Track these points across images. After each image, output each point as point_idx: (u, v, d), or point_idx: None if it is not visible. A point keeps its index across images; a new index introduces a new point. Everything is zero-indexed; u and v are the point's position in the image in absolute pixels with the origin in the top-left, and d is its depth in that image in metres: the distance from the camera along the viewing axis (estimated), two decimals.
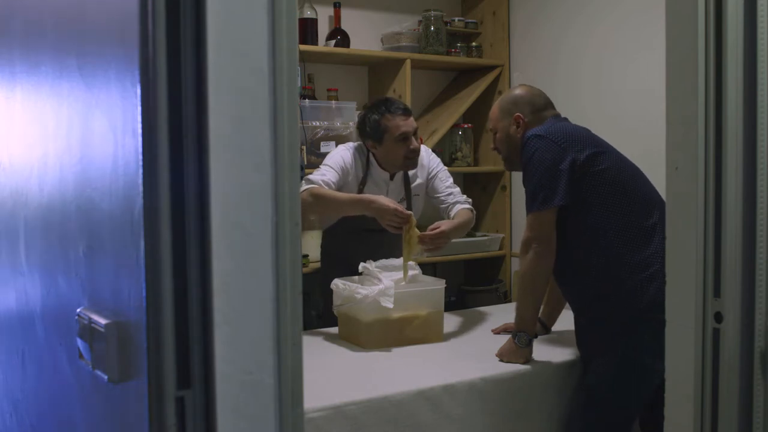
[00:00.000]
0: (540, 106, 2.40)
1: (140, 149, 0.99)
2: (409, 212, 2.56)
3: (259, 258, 1.03)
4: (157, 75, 0.97)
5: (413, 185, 2.88)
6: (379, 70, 3.81)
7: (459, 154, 3.93)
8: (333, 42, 3.55)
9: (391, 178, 2.83)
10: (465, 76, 4.06)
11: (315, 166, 2.92)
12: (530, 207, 2.23)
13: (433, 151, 3.09)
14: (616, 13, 3.39)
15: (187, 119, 0.99)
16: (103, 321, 1.13)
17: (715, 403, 1.41)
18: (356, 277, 2.57)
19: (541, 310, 2.52)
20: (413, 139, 2.73)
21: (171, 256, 0.98)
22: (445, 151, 3.91)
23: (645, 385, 2.16)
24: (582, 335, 2.35)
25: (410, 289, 2.48)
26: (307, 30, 3.47)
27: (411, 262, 2.57)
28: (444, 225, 2.63)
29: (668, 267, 1.49)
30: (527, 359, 2.26)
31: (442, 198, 2.88)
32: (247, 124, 1.02)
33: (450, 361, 2.31)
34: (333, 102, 3.51)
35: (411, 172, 2.87)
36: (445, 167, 2.97)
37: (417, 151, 2.75)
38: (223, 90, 0.99)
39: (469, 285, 4.02)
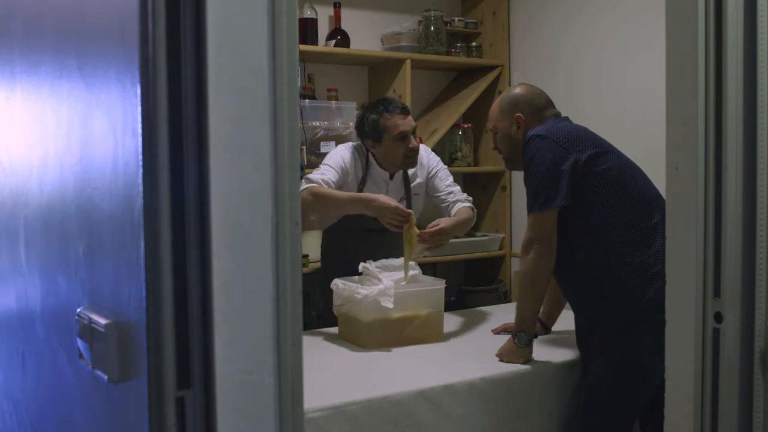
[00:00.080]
0: (540, 105, 2.39)
1: (140, 149, 0.99)
2: (410, 210, 2.56)
3: (259, 258, 1.03)
4: (157, 75, 0.97)
5: (413, 185, 2.88)
6: (379, 70, 3.81)
7: (459, 154, 3.93)
8: (333, 42, 3.55)
9: (391, 177, 2.83)
10: (465, 76, 4.06)
11: (315, 166, 2.92)
12: (531, 207, 2.23)
13: (433, 151, 3.09)
14: (616, 13, 3.39)
15: (187, 119, 0.99)
16: (103, 321, 1.13)
17: (715, 403, 1.41)
18: (356, 277, 2.57)
19: (540, 310, 2.52)
20: (412, 138, 2.73)
21: (171, 256, 0.98)
22: (445, 151, 3.91)
23: (645, 385, 2.16)
24: (582, 335, 2.35)
25: (410, 289, 2.48)
26: (307, 30, 3.47)
27: (411, 263, 2.57)
28: (443, 222, 2.63)
29: (668, 267, 1.49)
30: (527, 359, 2.26)
31: (443, 197, 2.88)
32: (247, 124, 1.02)
33: (450, 361, 2.31)
34: (333, 102, 3.51)
35: (410, 172, 2.87)
36: (445, 166, 2.97)
37: (416, 150, 2.75)
38: (223, 90, 0.99)
39: (469, 285, 4.02)
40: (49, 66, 1.39)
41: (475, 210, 2.87)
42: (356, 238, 2.84)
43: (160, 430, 0.99)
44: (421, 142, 3.28)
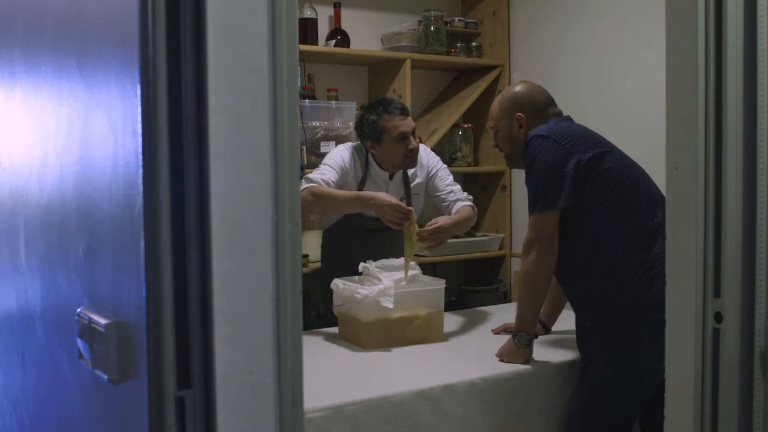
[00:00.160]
0: (542, 104, 2.38)
1: (140, 149, 0.99)
2: (410, 208, 2.56)
3: (259, 258, 1.03)
4: (157, 75, 0.97)
5: (413, 184, 2.88)
6: (379, 70, 3.81)
7: (459, 154, 3.93)
8: (333, 42, 3.55)
9: (391, 177, 2.83)
10: (465, 76, 4.06)
11: (315, 166, 2.92)
12: (533, 208, 2.23)
13: (433, 151, 3.09)
14: (616, 13, 3.39)
15: (187, 119, 0.99)
16: (103, 321, 1.13)
17: (715, 403, 1.41)
18: (356, 277, 2.57)
19: (541, 310, 2.52)
20: (411, 138, 2.73)
21: (171, 256, 0.98)
22: (445, 151, 3.91)
23: (645, 385, 2.16)
24: (583, 336, 2.34)
25: (410, 289, 2.48)
26: (307, 30, 3.47)
27: (411, 263, 2.57)
28: (441, 220, 2.63)
29: (668, 267, 1.49)
30: (527, 359, 2.26)
31: (443, 196, 2.88)
32: (247, 124, 1.02)
33: (450, 361, 2.31)
34: (333, 102, 3.51)
35: (410, 172, 2.87)
36: (445, 165, 2.97)
37: (416, 151, 2.75)
38: (223, 90, 0.99)
39: (469, 285, 4.02)
40: (49, 66, 1.39)
41: (476, 209, 2.87)
42: (356, 238, 2.84)
43: (160, 430, 0.99)
44: (421, 142, 3.28)
